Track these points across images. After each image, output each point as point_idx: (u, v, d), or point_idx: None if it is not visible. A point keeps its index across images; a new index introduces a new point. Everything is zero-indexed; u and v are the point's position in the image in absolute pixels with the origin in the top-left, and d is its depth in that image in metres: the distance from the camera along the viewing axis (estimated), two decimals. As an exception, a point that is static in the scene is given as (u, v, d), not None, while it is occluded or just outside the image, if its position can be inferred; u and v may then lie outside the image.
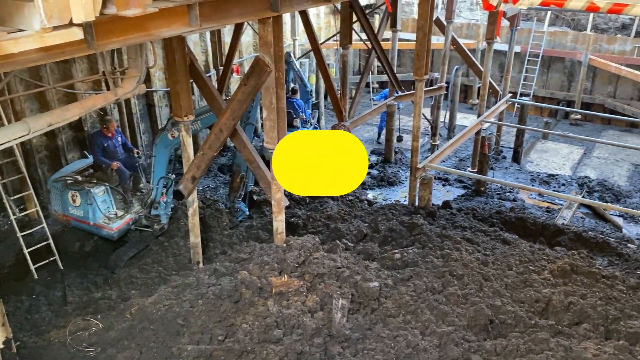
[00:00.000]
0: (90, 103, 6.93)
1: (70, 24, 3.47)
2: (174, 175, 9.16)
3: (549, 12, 18.32)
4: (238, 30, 11.43)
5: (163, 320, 6.31)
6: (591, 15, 17.98)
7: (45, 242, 8.41)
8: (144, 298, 7.05)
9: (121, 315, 6.83)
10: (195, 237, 8.03)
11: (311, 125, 13.54)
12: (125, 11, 3.73)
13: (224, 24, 5.69)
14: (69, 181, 8.84)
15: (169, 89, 12.11)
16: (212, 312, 6.25)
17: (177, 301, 6.56)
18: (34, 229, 8.53)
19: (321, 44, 12.55)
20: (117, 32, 4.34)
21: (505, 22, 14.46)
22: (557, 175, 13.46)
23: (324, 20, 19.11)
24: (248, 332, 5.93)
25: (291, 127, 12.46)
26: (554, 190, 12.32)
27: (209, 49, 14.11)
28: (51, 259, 8.41)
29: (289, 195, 10.57)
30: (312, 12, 17.26)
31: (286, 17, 16.13)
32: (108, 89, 7.29)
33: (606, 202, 11.76)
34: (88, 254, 9.10)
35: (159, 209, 9.06)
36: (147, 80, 12.17)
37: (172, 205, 9.47)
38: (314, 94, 16.41)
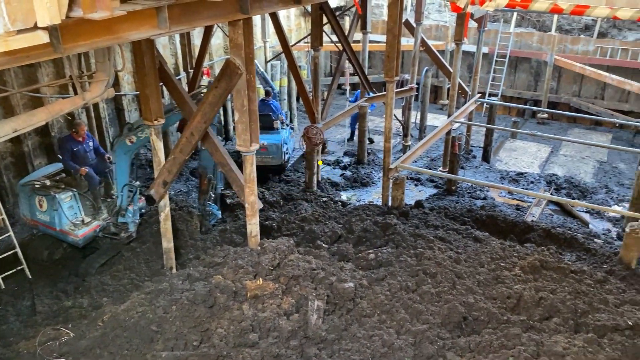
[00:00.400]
0: (57, 108, 6.79)
1: (35, 27, 3.39)
2: (138, 182, 8.99)
3: (515, 14, 18.72)
4: (208, 33, 11.36)
5: (136, 327, 6.21)
6: (555, 16, 18.44)
7: (12, 251, 8.19)
8: (116, 305, 6.93)
9: (93, 323, 6.69)
10: (167, 242, 7.93)
11: (287, 126, 13.57)
12: (92, 14, 3.66)
13: (194, 26, 5.64)
14: (37, 186, 8.64)
15: (138, 92, 11.97)
16: (186, 317, 6.18)
17: (150, 307, 6.47)
18: (0, 237, 8.30)
19: (292, 46, 12.57)
20: (84, 36, 4.27)
21: (473, 24, 14.70)
22: (525, 173, 13.74)
23: (294, 22, 19.12)
24: (223, 337, 5.89)
25: (271, 129, 12.50)
26: (523, 188, 12.58)
27: (179, 51, 13.98)
28: (19, 267, 8.19)
29: (262, 197, 10.56)
30: (282, 14, 17.26)
31: (256, 19, 16.10)
32: (75, 93, 7.16)
33: (573, 198, 12.05)
34: (57, 262, 8.90)
35: (126, 217, 8.89)
36: (116, 84, 11.98)
37: (142, 211, 9.33)
38: (285, 96, 16.44)
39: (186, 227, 9.14)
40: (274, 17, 11.37)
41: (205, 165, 9.46)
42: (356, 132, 15.01)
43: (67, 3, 3.52)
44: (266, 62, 16.55)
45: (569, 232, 9.78)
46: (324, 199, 11.44)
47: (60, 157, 9.19)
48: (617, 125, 16.93)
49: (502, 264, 7.56)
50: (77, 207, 8.78)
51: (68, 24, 3.88)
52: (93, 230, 8.80)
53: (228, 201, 10.67)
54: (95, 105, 11.67)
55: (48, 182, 8.75)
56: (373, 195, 12.53)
